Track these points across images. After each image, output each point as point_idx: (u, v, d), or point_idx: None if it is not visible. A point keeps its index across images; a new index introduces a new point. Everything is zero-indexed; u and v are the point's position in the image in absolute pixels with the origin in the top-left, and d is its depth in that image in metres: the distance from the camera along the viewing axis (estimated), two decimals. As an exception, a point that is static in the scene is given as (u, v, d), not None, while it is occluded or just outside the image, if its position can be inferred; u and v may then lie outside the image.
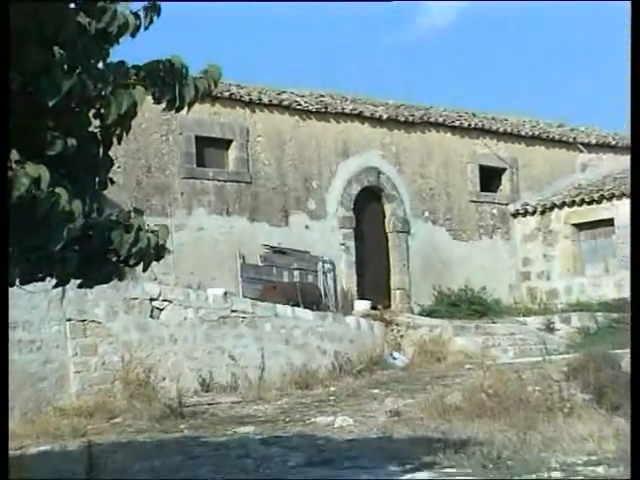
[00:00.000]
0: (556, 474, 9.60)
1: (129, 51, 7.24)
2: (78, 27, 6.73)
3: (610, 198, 24.21)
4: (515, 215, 25.99)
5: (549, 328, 21.71)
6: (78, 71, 6.72)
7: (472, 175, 25.70)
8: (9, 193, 5.97)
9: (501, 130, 26.09)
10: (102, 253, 7.21)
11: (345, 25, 60.17)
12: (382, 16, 61.30)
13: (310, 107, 23.10)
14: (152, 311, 17.93)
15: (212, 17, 54.73)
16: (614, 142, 27.92)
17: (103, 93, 6.89)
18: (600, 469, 9.86)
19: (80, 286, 7.77)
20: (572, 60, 59.46)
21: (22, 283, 7.45)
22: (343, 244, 23.25)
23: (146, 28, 7.00)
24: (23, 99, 6.66)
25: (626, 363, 14.72)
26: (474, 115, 25.95)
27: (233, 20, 55.94)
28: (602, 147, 27.71)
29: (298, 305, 20.26)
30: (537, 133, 26.79)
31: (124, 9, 6.86)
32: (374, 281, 23.58)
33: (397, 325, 21.22)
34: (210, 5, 45.99)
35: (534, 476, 9.59)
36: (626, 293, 23.11)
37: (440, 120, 25.12)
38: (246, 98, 22.11)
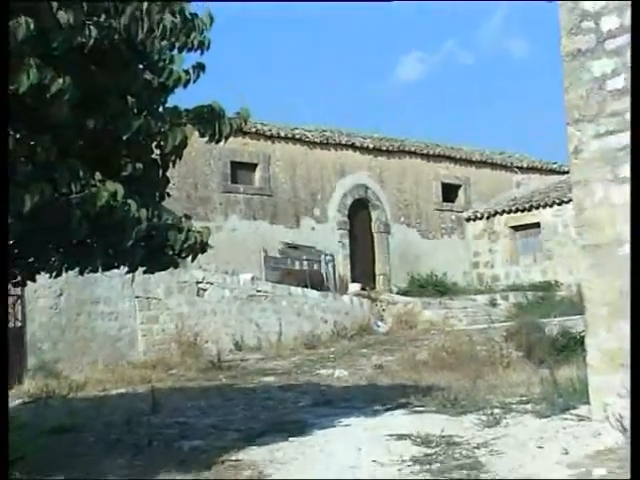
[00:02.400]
0: (497, 410, 9.46)
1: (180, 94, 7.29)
2: (144, 82, 6.84)
3: (537, 207, 24.13)
4: (468, 220, 25.83)
5: (492, 303, 21.67)
6: (144, 114, 6.80)
7: (436, 190, 25.58)
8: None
9: (457, 156, 25.93)
10: (161, 248, 7.23)
11: (343, 73, 60.00)
12: (370, 66, 61.01)
13: (315, 139, 23.11)
14: (198, 291, 18.08)
15: (241, 65, 54.38)
16: (540, 166, 27.75)
17: (162, 130, 6.97)
18: (528, 406, 9.75)
19: (145, 272, 7.76)
20: (511, 100, 59.42)
21: (103, 270, 7.49)
22: (340, 241, 23.23)
23: (194, 81, 7.07)
24: (105, 134, 6.71)
25: (549, 329, 14.89)
26: (437, 145, 25.76)
27: (260, 67, 55.64)
28: (531, 170, 27.45)
29: (307, 287, 20.32)
30: (484, 159, 26.67)
31: (178, 67, 6.92)
32: (363, 269, 23.52)
33: (380, 302, 21.25)
34: (239, 56, 46.06)
35: (481, 412, 9.43)
36: (548, 277, 23.23)
37: (412, 149, 25.02)
38: (268, 133, 22.11)
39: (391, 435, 8.75)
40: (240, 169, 21.89)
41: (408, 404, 10.51)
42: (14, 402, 11.67)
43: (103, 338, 16.39)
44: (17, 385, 13.28)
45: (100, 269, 7.39)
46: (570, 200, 9.06)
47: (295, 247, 22.14)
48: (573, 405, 9.03)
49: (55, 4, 5.92)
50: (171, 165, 7.42)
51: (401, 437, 8.64)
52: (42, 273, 7.53)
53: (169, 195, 7.66)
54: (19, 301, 15.48)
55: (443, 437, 8.51)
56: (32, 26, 5.69)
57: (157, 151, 7.18)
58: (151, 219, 6.79)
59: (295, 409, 10.84)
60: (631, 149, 6.48)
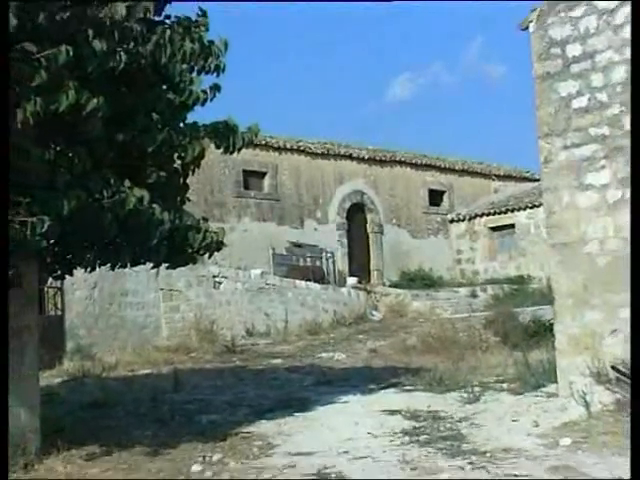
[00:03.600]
0: (476, 389, 9.44)
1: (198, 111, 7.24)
2: (167, 101, 6.81)
3: (512, 210, 23.96)
4: (451, 221, 25.62)
5: (473, 295, 21.41)
6: (167, 129, 6.78)
7: (423, 195, 25.34)
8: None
9: (442, 166, 25.69)
10: (182, 246, 7.19)
11: (341, 92, 60.00)
12: (365, 86, 61.07)
13: (317, 150, 22.92)
14: (214, 284, 18.01)
15: (254, 85, 54.41)
16: (515, 174, 27.54)
17: (183, 143, 6.97)
18: (504, 385, 9.77)
19: (168, 267, 7.74)
20: (489, 116, 59.36)
21: (131, 265, 7.45)
22: (339, 240, 23.02)
23: (211, 100, 7.03)
24: (133, 147, 6.72)
25: (522, 317, 14.69)
26: (425, 156, 25.55)
27: (269, 87, 55.69)
28: (507, 177, 27.24)
29: (310, 280, 20.10)
30: (466, 168, 26.41)
31: (197, 88, 6.88)
32: (359, 264, 23.32)
33: (374, 293, 20.96)
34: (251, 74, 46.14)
35: (463, 390, 9.40)
36: (522, 272, 23.07)
37: (403, 159, 24.81)
38: (276, 145, 21.93)
39: (384, 411, 8.78)
40: (251, 177, 21.76)
41: (399, 383, 10.52)
42: (55, 380, 11.70)
43: (131, 325, 16.42)
44: (58, 366, 13.28)
45: (128, 265, 7.37)
46: (541, 204, 9.05)
47: (299, 245, 22.03)
48: (543, 384, 9.06)
49: (91, 33, 5.95)
50: (190, 173, 7.43)
51: (393, 412, 8.67)
52: (78, 268, 7.53)
53: (189, 200, 7.64)
54: (59, 293, 15.48)
55: (429, 412, 8.56)
56: (71, 53, 5.71)
57: (178, 161, 7.19)
58: (173, 221, 6.78)
59: (299, 388, 10.83)
60: (631, 149, 6.26)
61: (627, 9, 7.68)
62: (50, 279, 10.61)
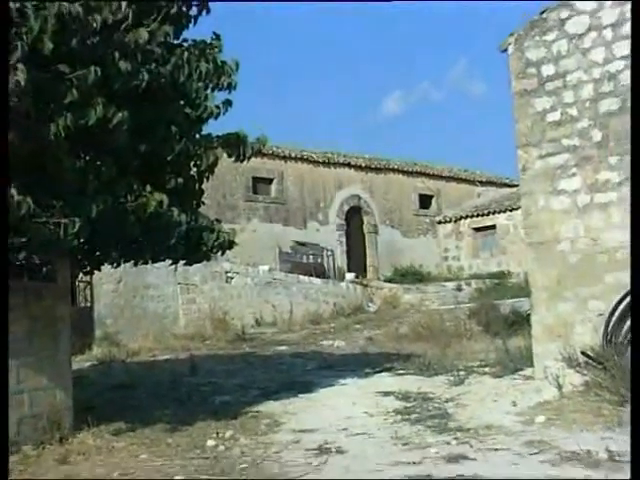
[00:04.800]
0: (461, 372, 9.48)
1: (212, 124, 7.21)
2: (185, 115, 6.81)
3: (494, 213, 23.85)
4: (439, 223, 25.45)
5: (458, 289, 21.23)
6: (184, 140, 6.77)
7: (414, 199, 25.21)
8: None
9: (431, 173, 25.55)
10: (197, 245, 7.17)
11: (341, 106, 59.94)
12: (361, 102, 60.97)
13: (319, 159, 22.82)
14: (226, 279, 17.89)
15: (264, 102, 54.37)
16: (496, 180, 27.36)
17: (198, 152, 6.98)
18: (486, 369, 9.77)
19: (185, 264, 7.75)
20: (473, 128, 59.29)
21: (152, 262, 7.50)
22: (338, 240, 22.92)
23: (223, 114, 6.99)
24: (154, 156, 6.72)
25: (503, 308, 14.61)
26: (415, 164, 25.46)
27: (276, 101, 55.65)
28: (489, 183, 27.08)
29: (312, 276, 20.00)
30: (452, 174, 26.30)
31: (211, 103, 6.86)
32: (357, 261, 23.20)
33: (370, 287, 20.82)
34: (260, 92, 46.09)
35: (449, 374, 9.44)
36: (502, 268, 22.87)
37: (395, 167, 24.70)
38: (281, 154, 21.82)
39: (379, 392, 8.78)
40: (259, 183, 21.68)
41: (392, 368, 10.50)
42: (86, 364, 11.72)
43: (152, 315, 16.37)
44: (87, 351, 13.28)
45: (150, 261, 7.40)
46: (519, 207, 9.03)
47: (303, 244, 21.95)
48: (520, 368, 9.06)
49: (117, 55, 5.99)
50: (205, 179, 7.41)
51: (386, 394, 8.67)
52: (105, 264, 7.55)
53: (203, 203, 7.64)
54: (88, 286, 15.50)
55: (419, 394, 8.55)
56: (99, 73, 5.73)
57: (194, 169, 7.19)
58: (189, 222, 6.77)
59: (303, 372, 10.81)
60: (631, 149, 6.14)
61: (594, 34, 7.75)
62: (81, 274, 10.61)
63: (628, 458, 5.26)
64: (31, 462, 6.10)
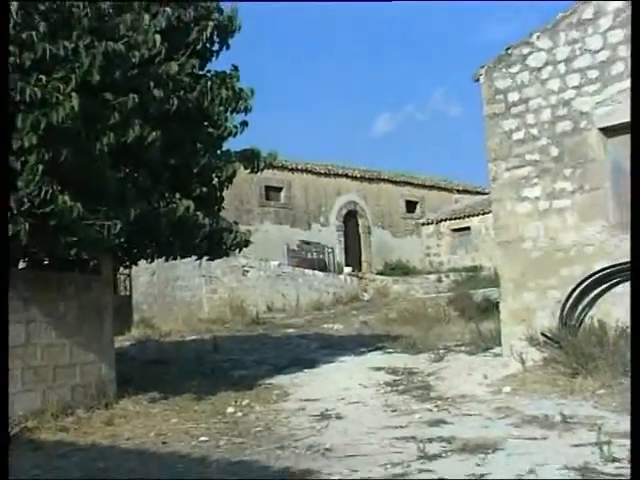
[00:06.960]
0: (441, 351, 9.33)
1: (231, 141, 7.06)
2: (208, 134, 6.81)
3: (469, 216, 23.66)
4: (423, 224, 25.08)
5: (439, 280, 20.99)
6: (208, 155, 6.79)
7: (402, 205, 24.85)
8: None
9: (416, 182, 25.25)
10: (219, 244, 7.19)
11: (339, 125, 59.69)
12: (356, 121, 60.73)
13: (321, 171, 22.58)
14: (243, 272, 17.67)
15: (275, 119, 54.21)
16: (471, 189, 26.91)
17: (219, 165, 6.97)
18: (462, 348, 9.71)
19: (208, 259, 7.79)
20: (451, 145, 59.08)
21: (181, 257, 7.50)
22: (338, 239, 22.69)
23: (240, 133, 6.97)
24: (182, 169, 6.72)
25: (476, 297, 14.48)
26: (402, 174, 25.16)
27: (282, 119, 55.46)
28: (465, 191, 26.63)
29: (315, 269, 19.79)
30: (433, 183, 25.96)
31: (230, 124, 6.84)
32: (353, 257, 22.95)
33: (365, 279, 20.67)
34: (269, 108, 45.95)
35: (431, 352, 9.35)
36: (476, 263, 22.50)
37: (386, 177, 24.42)
38: (289, 166, 21.59)
39: (371, 367, 8.78)
40: (271, 191, 21.44)
41: (383, 347, 10.48)
42: (126, 343, 11.72)
43: (181, 303, 16.27)
44: (127, 333, 13.26)
45: (179, 257, 7.42)
46: (490, 211, 9.00)
47: (307, 243, 21.74)
48: (491, 347, 9.05)
49: (152, 84, 6.02)
50: (225, 188, 7.43)
51: (378, 369, 8.67)
52: (142, 259, 7.57)
53: (224, 208, 7.64)
54: (128, 278, 15.52)
55: (406, 369, 8.55)
56: (137, 99, 5.79)
57: (216, 179, 7.20)
58: (212, 224, 6.79)
59: (307, 350, 10.77)
60: (631, 149, 5.93)
61: (550, 68, 7.76)
62: (121, 268, 10.63)
63: (578, 420, 5.32)
64: (83, 423, 6.16)
